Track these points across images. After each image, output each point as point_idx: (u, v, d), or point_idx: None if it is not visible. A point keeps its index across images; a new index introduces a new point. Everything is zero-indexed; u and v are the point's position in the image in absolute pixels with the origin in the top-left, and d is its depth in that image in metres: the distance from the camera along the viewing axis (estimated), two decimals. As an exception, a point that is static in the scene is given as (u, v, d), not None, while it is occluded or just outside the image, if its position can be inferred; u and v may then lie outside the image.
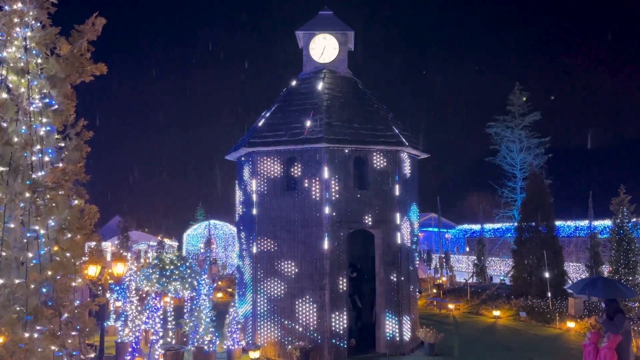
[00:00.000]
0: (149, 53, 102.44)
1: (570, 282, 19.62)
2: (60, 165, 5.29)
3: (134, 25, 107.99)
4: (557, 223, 22.65)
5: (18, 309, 4.93)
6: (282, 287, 12.09)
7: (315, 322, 11.70)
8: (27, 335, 4.84)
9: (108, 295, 15.77)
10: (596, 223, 24.11)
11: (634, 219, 16.96)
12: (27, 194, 5.01)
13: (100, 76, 5.69)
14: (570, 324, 15.50)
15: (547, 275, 18.00)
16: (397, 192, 12.45)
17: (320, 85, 13.31)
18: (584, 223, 25.52)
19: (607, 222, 21.18)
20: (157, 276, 11.83)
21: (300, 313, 11.84)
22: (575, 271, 24.79)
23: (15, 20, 5.19)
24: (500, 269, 30.43)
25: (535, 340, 14.49)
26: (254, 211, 12.54)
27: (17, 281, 5.00)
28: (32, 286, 4.96)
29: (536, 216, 19.31)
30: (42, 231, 5.09)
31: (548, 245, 19.11)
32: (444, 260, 27.18)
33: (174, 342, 12.55)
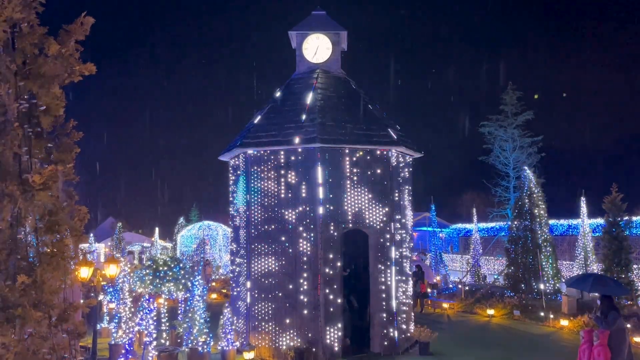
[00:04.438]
0: (141, 53, 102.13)
1: (563, 280, 19.72)
2: (50, 166, 5.24)
3: (126, 24, 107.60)
4: (551, 221, 22.75)
5: (7, 311, 4.89)
6: (277, 287, 12.05)
7: (309, 322, 11.68)
8: (16, 337, 4.79)
9: (101, 296, 15.70)
10: (589, 221, 24.21)
11: (626, 217, 17.03)
12: (16, 195, 4.96)
13: (91, 75, 5.65)
14: (564, 322, 15.58)
15: (540, 273, 18.07)
16: (390, 192, 12.45)
17: (313, 86, 13.29)
18: (577, 221, 25.62)
19: (600, 221, 21.29)
20: (151, 277, 11.79)
21: (295, 313, 11.81)
22: (569, 269, 24.91)
23: (3, 20, 5.14)
24: (494, 268, 30.52)
25: (529, 338, 14.55)
26: (248, 212, 12.51)
27: (6, 283, 4.95)
28: (22, 288, 4.92)
29: (529, 215, 19.39)
30: (31, 232, 5.04)
31: (541, 244, 19.21)
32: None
33: (167, 343, 12.49)
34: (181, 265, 12.34)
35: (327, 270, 11.79)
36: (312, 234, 11.88)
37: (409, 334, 12.84)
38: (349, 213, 12.12)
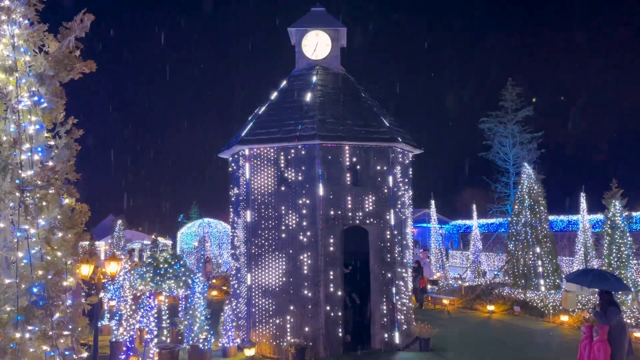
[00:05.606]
0: (140, 50, 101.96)
1: (563, 276, 19.74)
2: (50, 163, 5.23)
3: (124, 22, 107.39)
4: (550, 217, 22.77)
5: (9, 309, 4.89)
6: (277, 285, 12.07)
7: (310, 319, 11.70)
8: (18, 335, 4.80)
9: (102, 294, 15.71)
10: (589, 217, 24.22)
11: (626, 213, 17.02)
12: (17, 193, 4.96)
13: (92, 73, 5.64)
14: (564, 318, 15.60)
15: (540, 269, 18.09)
16: (391, 188, 12.46)
17: (313, 82, 13.28)
18: (577, 217, 25.65)
19: (600, 216, 21.30)
20: (151, 275, 11.79)
21: (296, 310, 11.83)
22: (569, 265, 24.95)
23: (3, 17, 5.13)
24: (494, 264, 30.56)
25: (529, 334, 14.57)
26: (248, 209, 12.51)
27: (7, 281, 4.96)
28: (23, 286, 4.92)
29: (529, 211, 19.40)
30: (32, 230, 5.04)
31: (541, 240, 19.23)
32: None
33: (168, 340, 12.51)
34: (181, 262, 12.35)
35: (327, 267, 11.79)
36: (312, 231, 11.88)
37: (409, 330, 12.86)
38: (349, 210, 12.12)
